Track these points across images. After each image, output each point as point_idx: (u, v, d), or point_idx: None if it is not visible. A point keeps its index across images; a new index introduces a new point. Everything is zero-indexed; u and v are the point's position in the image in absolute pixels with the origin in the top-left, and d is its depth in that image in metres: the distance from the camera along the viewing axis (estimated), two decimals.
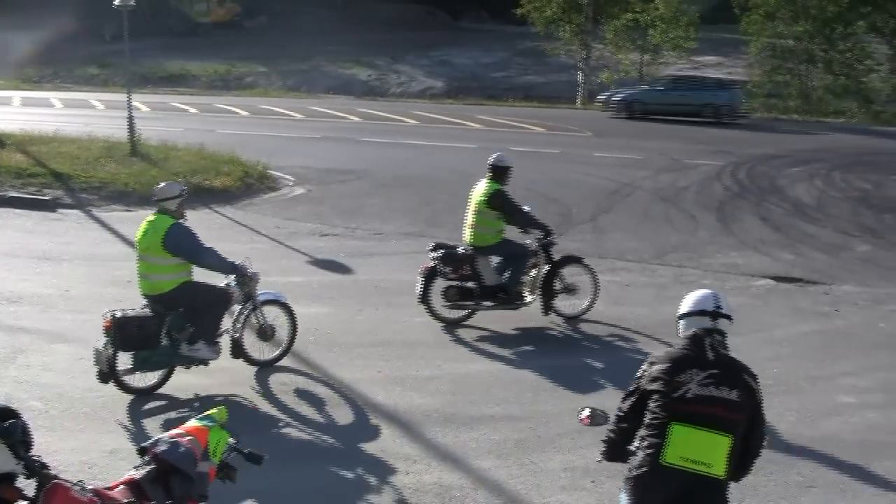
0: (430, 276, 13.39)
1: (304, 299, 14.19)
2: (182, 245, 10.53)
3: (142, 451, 5.74)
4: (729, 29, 52.48)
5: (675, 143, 32.50)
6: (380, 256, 17.24)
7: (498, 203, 13.36)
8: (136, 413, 10.20)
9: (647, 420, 5.90)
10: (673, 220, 20.77)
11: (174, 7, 78.94)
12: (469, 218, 13.64)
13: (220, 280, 11.27)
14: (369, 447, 9.39)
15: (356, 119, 38.81)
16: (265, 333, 11.47)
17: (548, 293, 13.65)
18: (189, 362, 10.84)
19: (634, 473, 5.82)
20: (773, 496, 8.65)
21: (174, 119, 37.99)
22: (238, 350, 11.34)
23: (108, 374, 10.32)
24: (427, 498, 8.38)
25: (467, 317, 13.53)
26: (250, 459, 6.02)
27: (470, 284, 13.40)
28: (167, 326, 10.61)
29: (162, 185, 11.07)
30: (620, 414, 6.16)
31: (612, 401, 10.30)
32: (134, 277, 11.08)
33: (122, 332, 10.28)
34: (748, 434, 5.90)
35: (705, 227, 20.18)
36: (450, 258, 13.35)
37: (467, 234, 13.64)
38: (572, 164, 27.48)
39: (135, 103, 28.24)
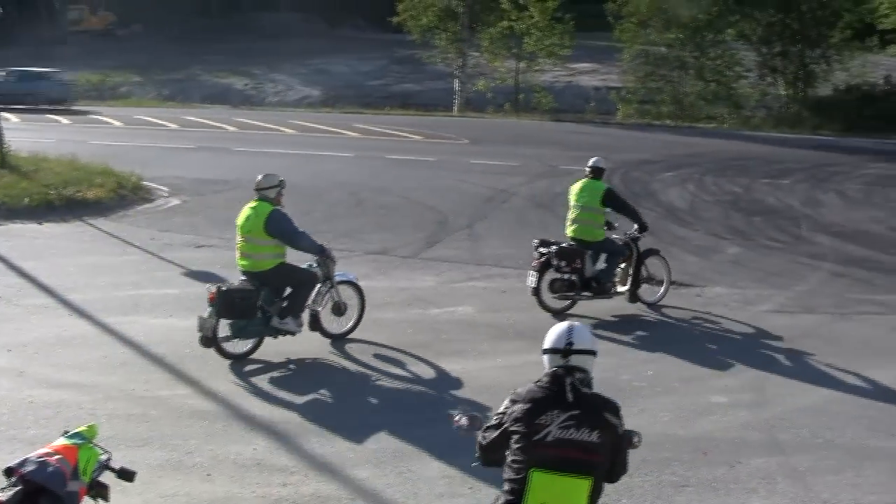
0: (542, 269, 14.68)
1: (179, 311, 14.07)
2: (281, 228, 12.18)
3: (8, 472, 5.59)
4: (603, 36, 53.11)
5: (551, 148, 32.83)
6: None
7: (611, 199, 14.89)
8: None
9: (508, 460, 5.78)
10: (548, 226, 20.86)
11: (45, 15, 77.29)
12: (573, 214, 14.94)
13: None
14: (246, 459, 9.27)
15: (232, 129, 38.48)
16: (339, 309, 13.06)
17: (635, 283, 15.20)
18: (277, 333, 12.38)
19: None
20: (648, 496, 8.77)
21: (46, 130, 37.28)
22: (315, 324, 12.86)
23: (210, 339, 11.82)
24: None
25: (570, 307, 14.80)
26: (122, 476, 5.91)
27: (573, 277, 14.58)
28: (261, 301, 12.12)
29: (262, 176, 12.85)
30: (483, 444, 6.04)
31: (490, 406, 10.36)
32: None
33: (224, 301, 11.78)
34: (611, 466, 5.83)
35: None
36: (564, 253, 14.58)
37: (572, 230, 14.94)
38: (449, 171, 27.59)
39: (3, 114, 27.62)
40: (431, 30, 52.53)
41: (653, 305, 15.29)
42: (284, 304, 12.40)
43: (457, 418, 6.49)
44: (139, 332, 13.03)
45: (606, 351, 12.89)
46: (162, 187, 24.37)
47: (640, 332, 13.89)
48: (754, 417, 10.93)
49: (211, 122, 40.32)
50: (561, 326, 6.13)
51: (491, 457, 6.01)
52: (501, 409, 5.95)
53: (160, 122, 40.56)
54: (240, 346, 12.21)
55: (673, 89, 49.25)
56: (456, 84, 52.72)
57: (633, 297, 15.20)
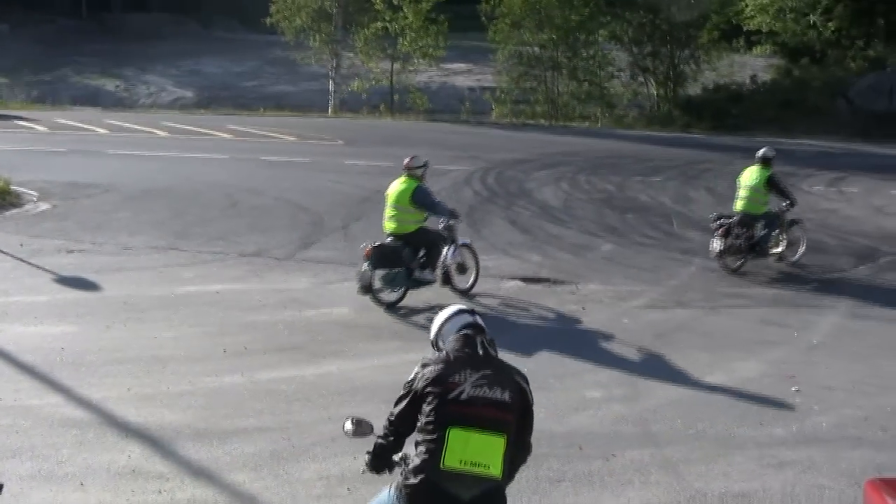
0: (725, 236, 17.91)
1: (49, 318, 13.80)
2: (424, 200, 15.23)
3: None
4: (477, 37, 53.35)
5: (425, 149, 32.57)
6: (129, 271, 16.79)
7: (774, 184, 18.30)
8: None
9: (421, 424, 5.89)
10: None
11: None
12: (742, 193, 18.39)
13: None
14: (120, 467, 9.12)
15: (103, 131, 37.77)
16: (462, 268, 15.83)
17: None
18: (418, 285, 15.22)
19: (412, 480, 5.77)
20: (525, 492, 8.84)
21: None
22: (447, 279, 15.67)
23: (367, 288, 14.76)
24: None
25: (741, 266, 18.11)
26: None
27: (746, 242, 18.02)
28: (405, 257, 14.95)
29: (410, 157, 15.77)
30: (392, 419, 6.15)
31: (367, 408, 10.36)
32: None
33: (378, 254, 14.72)
34: (517, 437, 5.96)
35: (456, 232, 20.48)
36: (742, 222, 18.00)
37: (742, 205, 18.29)
38: (323, 172, 27.46)
39: None
40: (305, 31, 52.19)
41: (795, 264, 18.93)
42: (422, 260, 15.25)
43: (345, 426, 6.60)
44: (8, 341, 12.71)
45: None
46: (31, 192, 23.77)
47: (513, 332, 13.96)
48: (628, 411, 11.11)
49: (81, 125, 39.50)
50: (452, 306, 6.49)
51: (402, 429, 6.10)
52: (410, 377, 6.08)
53: (28, 124, 39.63)
54: (391, 295, 15.02)
55: (546, 89, 49.70)
56: (331, 85, 52.49)
57: (781, 257, 18.80)
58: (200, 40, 72.46)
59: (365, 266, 14.77)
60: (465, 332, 6.16)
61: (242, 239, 19.32)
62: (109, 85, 60.05)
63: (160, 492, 8.66)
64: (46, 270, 16.59)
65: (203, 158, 29.76)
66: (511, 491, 8.57)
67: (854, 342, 14.29)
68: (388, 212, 15.40)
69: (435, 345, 6.40)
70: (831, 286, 17.56)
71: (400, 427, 6.12)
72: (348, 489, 8.77)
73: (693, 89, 49.78)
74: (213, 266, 17.33)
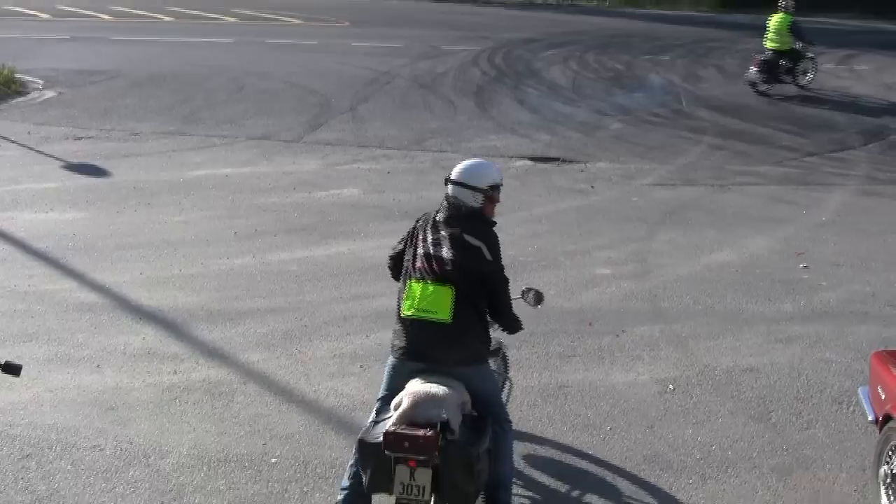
0: (759, 65, 23.40)
1: (60, 205, 13.84)
2: (801, 31, 23.30)
3: None
4: None
5: (432, 29, 32.59)
6: (137, 157, 16.77)
7: (795, 28, 23.33)
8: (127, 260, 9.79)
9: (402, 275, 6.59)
10: (432, 106, 20.93)
11: None
12: (770, 35, 23.51)
13: None
14: (135, 349, 9.23)
15: (107, 17, 37.38)
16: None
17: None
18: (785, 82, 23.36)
19: (393, 331, 6.45)
20: (536, 366, 8.97)
21: None
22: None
23: (752, 84, 22.97)
24: (196, 395, 8.33)
25: (768, 89, 23.51)
26: (7, 370, 5.77)
27: (770, 71, 23.54)
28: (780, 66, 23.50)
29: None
30: (391, 252, 6.86)
31: (378, 286, 10.45)
32: None
33: (762, 64, 22.80)
34: (488, 295, 6.42)
35: (464, 112, 20.44)
36: (772, 56, 23.46)
37: (770, 44, 23.57)
38: (330, 54, 27.23)
39: None
40: None
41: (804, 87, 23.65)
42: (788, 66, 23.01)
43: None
44: (19, 228, 12.76)
45: None
46: (36, 80, 23.62)
47: (523, 211, 13.96)
48: (637, 287, 11.18)
49: (84, 11, 39.05)
50: (465, 161, 6.73)
51: (394, 269, 6.82)
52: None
53: (30, 11, 39.23)
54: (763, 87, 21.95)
55: None
56: None
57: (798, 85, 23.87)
58: None
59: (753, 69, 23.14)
60: (444, 197, 6.55)
61: (250, 122, 19.28)
62: None
63: (175, 372, 8.77)
64: (55, 158, 16.58)
65: (208, 42, 29.51)
66: (522, 366, 8.76)
67: (862, 219, 14.30)
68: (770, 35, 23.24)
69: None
70: (840, 164, 17.52)
71: (393, 261, 6.86)
72: (361, 366, 8.88)
73: None
74: (221, 150, 17.32)
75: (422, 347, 6.25)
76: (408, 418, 5.93)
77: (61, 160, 16.40)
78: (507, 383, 7.65)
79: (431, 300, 6.25)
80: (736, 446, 7.70)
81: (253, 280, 11.13)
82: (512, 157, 17.08)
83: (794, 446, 7.71)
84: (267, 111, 20.21)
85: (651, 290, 11.07)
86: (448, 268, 6.26)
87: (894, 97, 23.55)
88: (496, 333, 6.92)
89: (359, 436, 6.06)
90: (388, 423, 5.93)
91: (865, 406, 7.13)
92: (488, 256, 6.36)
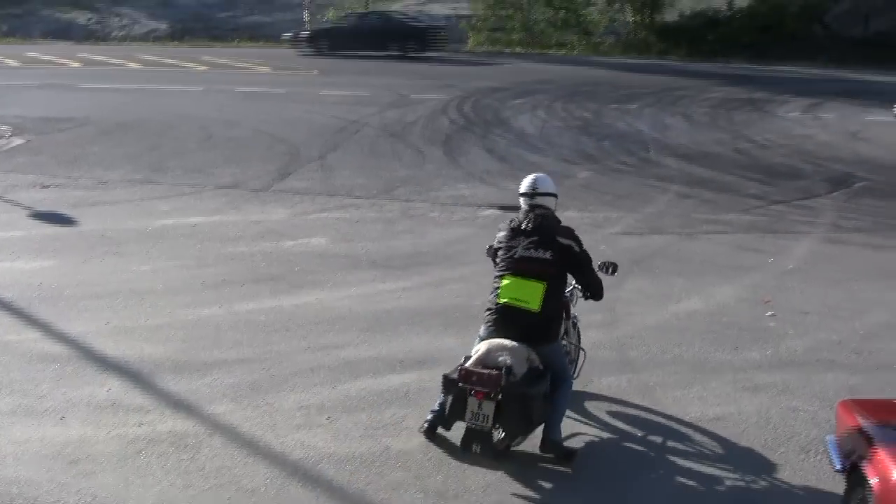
0: None
1: (26, 254, 13.78)
2: None
3: None
4: None
5: (401, 78, 32.74)
6: (105, 205, 16.75)
7: None
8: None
9: (495, 270, 8.58)
10: (401, 155, 20.99)
11: None
12: None
13: None
14: (101, 400, 9.13)
15: (76, 65, 37.44)
16: None
17: None
18: None
19: (487, 312, 8.45)
20: None
21: None
22: None
23: None
24: (161, 448, 8.24)
25: None
26: None
27: None
28: None
29: None
30: (488, 252, 8.92)
31: (346, 337, 10.41)
32: None
33: None
34: (578, 276, 8.70)
35: (432, 161, 20.51)
36: None
37: None
38: (299, 103, 27.32)
39: None
40: None
41: None
42: None
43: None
44: None
45: (459, 277, 13.09)
46: (4, 127, 23.61)
47: (489, 261, 13.94)
48: (605, 336, 11.16)
49: (53, 59, 39.14)
50: (529, 177, 8.88)
51: (492, 259, 8.81)
52: (496, 237, 8.79)
53: None
54: None
55: (523, 17, 49.40)
56: (305, 14, 52.03)
57: None
58: None
59: None
60: (526, 208, 8.65)
61: (219, 171, 19.28)
62: (81, 18, 59.26)
63: (140, 424, 8.68)
64: (22, 205, 16.53)
65: (178, 91, 29.58)
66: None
67: (829, 267, 14.37)
68: None
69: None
70: (807, 211, 17.64)
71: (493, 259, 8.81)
72: (328, 418, 8.82)
73: (670, 15, 49.44)
74: (189, 198, 17.30)
75: (512, 328, 8.19)
76: (481, 361, 7.97)
77: (28, 208, 16.35)
78: (582, 353, 9.62)
79: (525, 292, 8.25)
80: (704, 495, 7.69)
81: (220, 330, 11.07)
82: (480, 206, 17.12)
83: (762, 495, 7.71)
84: (235, 160, 20.22)
85: (619, 340, 11.08)
86: (544, 266, 8.31)
87: (859, 145, 23.77)
88: (575, 308, 9.35)
89: (444, 373, 8.19)
90: (467, 364, 7.99)
91: (833, 455, 7.13)
92: (577, 249, 8.51)
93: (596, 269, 8.90)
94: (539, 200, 8.64)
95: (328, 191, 17.74)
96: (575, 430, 8.72)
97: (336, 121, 24.41)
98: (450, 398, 8.01)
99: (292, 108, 26.34)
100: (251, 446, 8.34)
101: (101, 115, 24.90)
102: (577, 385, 9.64)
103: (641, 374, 10.11)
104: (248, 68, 36.06)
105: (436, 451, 8.14)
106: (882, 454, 6.23)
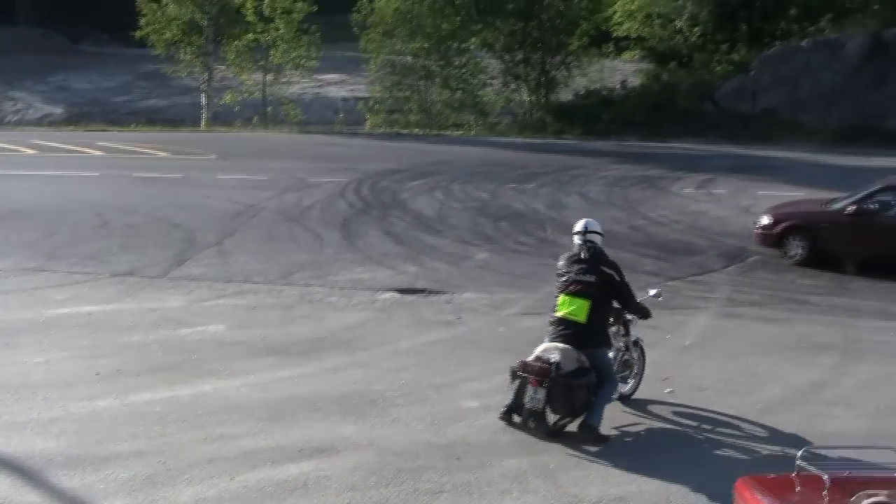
0: None
1: None
2: None
3: None
4: (350, 47, 53.16)
5: (299, 161, 32.66)
6: None
7: None
8: None
9: (555, 292, 11.27)
10: (298, 239, 20.91)
11: None
12: None
13: None
14: None
15: None
16: None
17: None
18: None
19: (549, 321, 11.16)
20: None
21: None
22: None
23: None
24: None
25: None
26: None
27: None
28: None
29: None
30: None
31: (244, 427, 10.28)
32: None
33: None
34: (618, 299, 11.34)
35: (330, 245, 20.46)
36: None
37: None
38: (196, 187, 27.10)
39: None
40: (176, 44, 51.51)
41: None
42: None
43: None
44: None
45: (359, 362, 13.05)
46: None
47: (389, 345, 14.02)
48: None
49: None
50: (582, 220, 11.68)
51: None
52: (557, 265, 11.55)
53: None
54: None
55: (420, 98, 49.72)
56: (203, 98, 51.92)
57: None
58: (69, 55, 71.08)
59: None
60: (579, 242, 11.35)
61: (115, 258, 19.02)
62: None
63: None
64: None
65: (73, 176, 29.16)
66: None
67: (725, 341, 14.63)
68: None
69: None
70: (702, 287, 17.94)
71: None
72: None
73: (565, 95, 50.16)
74: (84, 287, 17.04)
75: (565, 335, 10.81)
76: (538, 357, 10.68)
77: None
78: (639, 376, 12.05)
79: (575, 309, 10.89)
80: None
81: (115, 423, 10.86)
82: (379, 289, 17.12)
83: None
84: (132, 246, 19.97)
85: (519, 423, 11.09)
86: (590, 288, 10.93)
87: (751, 220, 24.16)
88: (635, 329, 11.98)
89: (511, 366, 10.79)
90: (528, 359, 10.71)
91: None
92: (617, 278, 11.17)
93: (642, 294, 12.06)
94: (589, 237, 11.36)
95: (225, 277, 17.62)
96: None
97: (234, 205, 24.28)
98: (516, 384, 10.67)
99: (190, 193, 26.13)
100: None
101: None
102: (477, 470, 9.67)
103: (541, 455, 10.18)
104: (145, 153, 35.74)
105: None
106: None
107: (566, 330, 10.79)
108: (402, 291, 17.03)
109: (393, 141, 41.57)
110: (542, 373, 10.38)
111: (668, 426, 11.22)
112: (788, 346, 14.64)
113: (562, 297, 11.01)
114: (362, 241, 20.90)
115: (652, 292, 12.46)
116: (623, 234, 22.36)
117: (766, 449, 10.61)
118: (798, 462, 6.74)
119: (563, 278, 11.13)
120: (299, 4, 49.25)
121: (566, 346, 10.62)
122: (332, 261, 19.16)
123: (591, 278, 10.95)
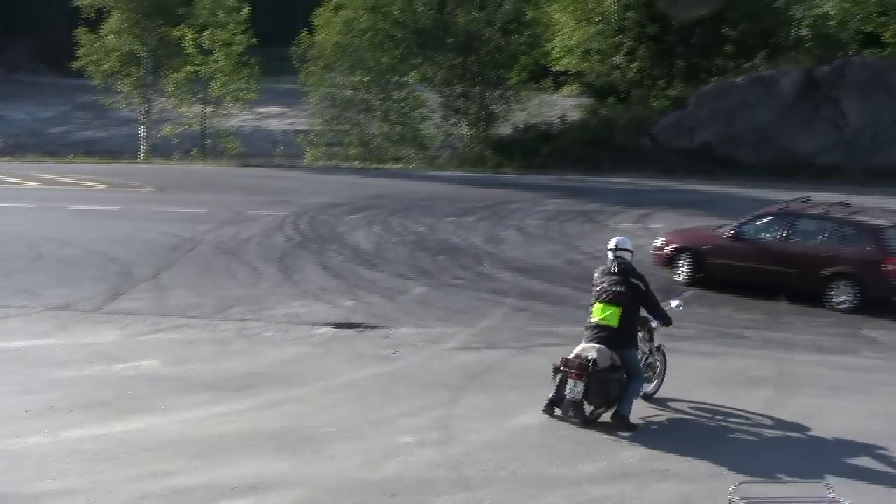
0: None
1: None
2: None
3: None
4: (290, 80, 53.15)
5: (237, 194, 32.56)
6: None
7: None
8: None
9: (591, 301, 12.92)
10: (235, 273, 20.79)
11: None
12: None
13: None
14: None
15: None
16: None
17: None
18: None
19: (585, 326, 12.80)
20: None
21: None
22: None
23: None
24: None
25: None
26: None
27: None
28: None
29: None
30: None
31: (176, 464, 10.17)
32: None
33: None
34: (645, 306, 12.91)
35: (268, 279, 20.37)
36: None
37: None
38: (133, 220, 26.89)
39: None
40: (114, 75, 51.24)
41: None
42: None
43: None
44: None
45: (294, 398, 12.97)
46: None
47: (325, 380, 13.94)
48: (441, 455, 11.16)
49: None
50: (615, 237, 13.35)
51: None
52: (593, 277, 13.20)
53: None
54: None
55: (359, 131, 49.79)
56: (141, 130, 51.65)
57: None
58: (4, 85, 70.48)
59: None
60: (610, 255, 13.05)
61: (48, 292, 18.78)
62: None
63: None
64: None
65: (7, 208, 28.81)
66: None
67: None
68: None
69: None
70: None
71: None
72: None
73: (504, 129, 50.44)
74: (16, 321, 16.82)
75: (600, 337, 12.45)
76: (577, 355, 12.34)
77: None
78: (662, 376, 13.69)
79: (608, 315, 12.54)
80: None
81: (45, 460, 10.69)
82: (315, 324, 17.04)
83: None
84: (66, 280, 19.75)
85: (455, 458, 11.07)
86: (620, 297, 12.55)
87: None
88: (658, 335, 13.57)
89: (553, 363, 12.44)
90: (569, 356, 12.38)
91: None
92: (643, 288, 12.79)
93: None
94: (620, 253, 13.01)
95: (161, 311, 17.47)
96: None
97: (170, 238, 24.11)
98: (558, 377, 12.35)
99: (126, 226, 25.91)
100: None
101: None
102: (415, 503, 9.65)
103: (478, 492, 10.13)
104: (81, 185, 35.42)
105: None
106: None
107: (601, 333, 12.54)
108: (339, 326, 16.97)
109: (332, 174, 41.55)
110: (581, 368, 12.15)
111: (607, 460, 11.22)
112: (723, 380, 14.75)
113: (596, 305, 12.74)
114: (299, 274, 20.82)
115: (674, 303, 14.10)
116: (560, 269, 22.49)
117: (701, 482, 10.64)
118: (730, 497, 6.78)
119: (598, 288, 12.84)
120: (239, 37, 49.29)
121: (601, 346, 12.39)
122: (269, 295, 19.07)
123: (621, 289, 12.64)
